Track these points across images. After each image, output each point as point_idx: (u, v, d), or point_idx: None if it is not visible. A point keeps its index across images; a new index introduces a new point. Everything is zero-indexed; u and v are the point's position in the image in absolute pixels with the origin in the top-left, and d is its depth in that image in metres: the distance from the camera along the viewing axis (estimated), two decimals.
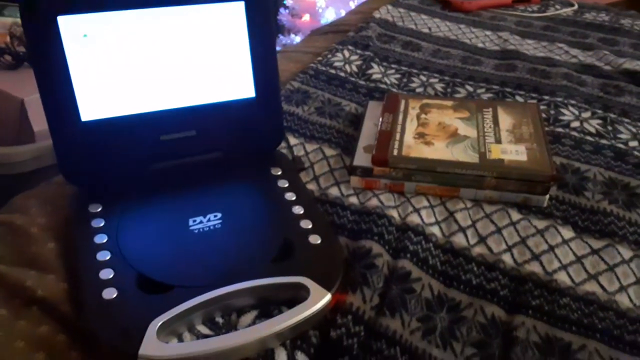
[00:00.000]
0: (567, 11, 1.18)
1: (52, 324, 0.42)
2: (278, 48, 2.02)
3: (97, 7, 0.48)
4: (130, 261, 0.45)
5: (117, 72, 0.51)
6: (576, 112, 0.74)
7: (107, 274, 0.44)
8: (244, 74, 0.56)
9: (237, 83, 0.56)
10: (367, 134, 0.63)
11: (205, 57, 0.54)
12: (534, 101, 0.76)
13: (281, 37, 2.14)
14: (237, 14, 0.53)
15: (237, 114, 0.56)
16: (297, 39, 1.99)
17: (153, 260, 0.46)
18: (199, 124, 0.55)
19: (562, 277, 0.49)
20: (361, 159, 0.59)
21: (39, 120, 1.11)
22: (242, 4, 0.53)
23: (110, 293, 0.42)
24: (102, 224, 0.49)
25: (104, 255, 0.45)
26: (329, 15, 1.97)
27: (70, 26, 0.48)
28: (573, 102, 0.76)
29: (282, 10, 2.05)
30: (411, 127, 0.62)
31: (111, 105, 0.51)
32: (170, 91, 0.53)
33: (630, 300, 0.47)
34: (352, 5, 1.85)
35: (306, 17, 2.02)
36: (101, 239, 0.47)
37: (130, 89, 0.52)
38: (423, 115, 0.64)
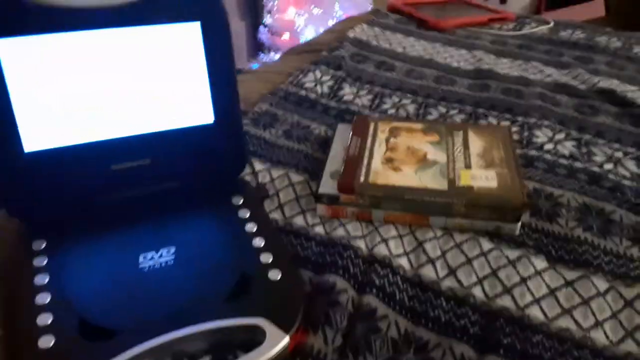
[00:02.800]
0: (542, 29, 1.17)
1: None
2: (257, 65, 2.00)
3: (40, 29, 0.45)
4: (71, 304, 0.42)
5: (63, 99, 0.47)
6: (550, 134, 0.72)
7: (45, 319, 0.40)
8: (201, 98, 0.53)
9: (195, 108, 0.53)
10: (335, 159, 0.61)
11: (160, 81, 0.51)
12: (507, 122, 0.75)
13: (261, 55, 2.13)
14: (193, 35, 0.50)
15: (195, 140, 0.53)
16: (277, 57, 1.98)
17: (96, 303, 0.42)
18: (154, 152, 0.52)
19: (534, 312, 0.46)
20: (327, 186, 0.56)
21: None
22: (198, 24, 0.50)
23: (47, 341, 0.39)
24: (44, 263, 0.45)
25: (43, 298, 0.42)
26: (309, 34, 1.96)
27: (10, 50, 0.44)
28: (547, 122, 0.74)
29: (261, 28, 2.04)
30: (379, 151, 0.60)
31: (57, 134, 0.48)
32: (122, 118, 0.50)
33: (606, 336, 0.45)
34: (331, 24, 1.84)
35: (286, 36, 2.01)
36: (42, 279, 0.44)
37: (78, 116, 0.48)
38: (392, 139, 0.62)
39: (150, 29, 0.48)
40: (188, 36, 0.50)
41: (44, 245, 0.47)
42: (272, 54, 2.02)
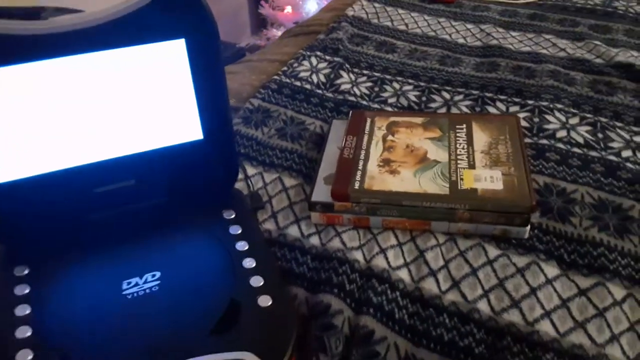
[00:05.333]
0: None
1: None
2: (260, 42, 1.94)
3: (8, 60, 0.40)
4: (51, 341, 0.40)
5: (37, 126, 0.44)
6: (563, 119, 0.67)
7: (23, 356, 0.38)
8: (189, 115, 0.49)
9: (182, 125, 0.49)
10: (329, 161, 0.57)
11: (144, 101, 0.47)
12: (517, 107, 0.70)
13: (264, 30, 2.07)
14: (178, 52, 0.46)
15: (183, 158, 0.50)
16: (279, 32, 1.91)
17: (77, 339, 0.40)
18: (139, 173, 0.49)
19: (545, 327, 0.43)
20: (321, 192, 0.53)
21: None
22: (183, 41, 0.45)
23: None
24: (26, 291, 0.43)
25: (23, 332, 0.40)
26: (311, 7, 1.89)
27: None
28: (560, 106, 0.69)
29: (263, 3, 1.97)
30: (376, 152, 0.56)
31: (31, 163, 0.45)
32: (104, 141, 0.47)
33: (623, 352, 0.42)
34: None
35: (288, 9, 1.94)
36: (23, 310, 0.42)
37: (54, 143, 0.45)
38: (390, 137, 0.58)
39: (130, 50, 0.44)
40: (172, 54, 0.46)
41: (26, 271, 0.45)
42: (274, 30, 1.96)
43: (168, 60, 0.46)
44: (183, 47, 0.46)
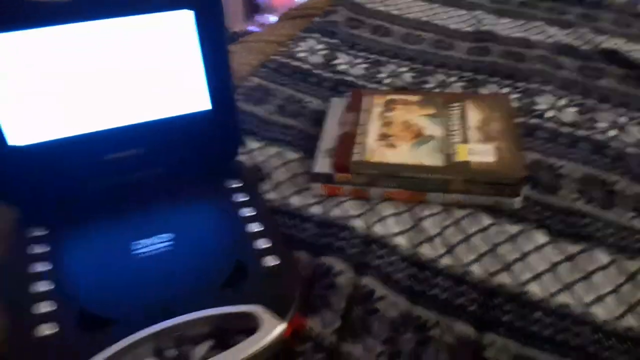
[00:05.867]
0: None
1: None
2: (253, 28, 1.95)
3: (18, 25, 0.42)
4: (72, 293, 0.42)
5: (50, 92, 0.45)
6: (552, 100, 0.70)
7: (45, 307, 0.40)
8: (197, 85, 0.51)
9: (191, 96, 0.51)
10: (329, 136, 0.59)
11: (154, 71, 0.49)
12: (508, 89, 0.73)
13: (257, 16, 2.08)
14: (187, 23, 0.48)
15: (191, 128, 0.52)
16: (273, 18, 1.92)
17: (94, 292, 0.42)
18: (149, 141, 0.51)
19: (534, 289, 0.46)
20: (322, 164, 0.55)
21: None
22: (192, 12, 0.47)
23: (45, 329, 0.39)
24: (47, 250, 0.45)
25: (44, 286, 0.42)
26: None
27: None
28: (549, 88, 0.72)
29: None
30: (374, 127, 0.58)
31: (45, 128, 0.46)
32: (114, 109, 0.48)
33: (607, 311, 0.44)
34: None
35: None
36: (44, 266, 0.44)
37: (67, 109, 0.47)
38: (387, 113, 0.60)
39: (142, 18, 0.46)
40: (181, 24, 0.48)
41: (45, 232, 0.47)
42: (266, 15, 1.96)
43: (178, 31, 0.48)
44: (192, 18, 0.48)
